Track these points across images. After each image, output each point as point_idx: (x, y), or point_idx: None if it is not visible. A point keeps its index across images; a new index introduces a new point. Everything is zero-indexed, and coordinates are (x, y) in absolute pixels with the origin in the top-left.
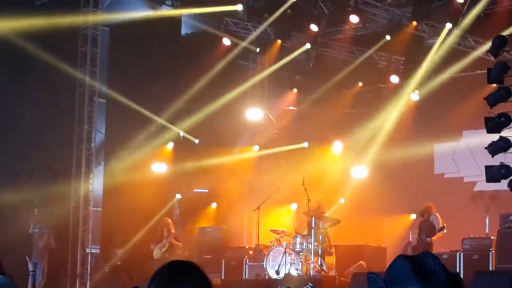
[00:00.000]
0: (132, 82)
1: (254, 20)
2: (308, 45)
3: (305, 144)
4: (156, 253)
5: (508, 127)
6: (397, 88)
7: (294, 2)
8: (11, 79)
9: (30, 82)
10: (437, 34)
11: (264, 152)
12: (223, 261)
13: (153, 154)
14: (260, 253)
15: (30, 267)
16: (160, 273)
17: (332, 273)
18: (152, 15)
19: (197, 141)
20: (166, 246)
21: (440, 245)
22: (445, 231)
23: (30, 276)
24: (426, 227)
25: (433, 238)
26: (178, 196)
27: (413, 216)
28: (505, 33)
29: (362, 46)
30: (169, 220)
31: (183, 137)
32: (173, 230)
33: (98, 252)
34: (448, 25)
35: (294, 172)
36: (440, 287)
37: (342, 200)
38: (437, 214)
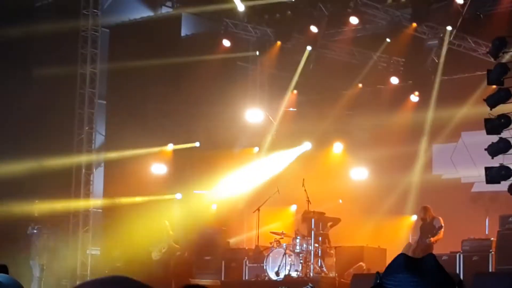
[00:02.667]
0: (132, 84)
1: (254, 22)
2: (309, 48)
3: (308, 145)
4: (155, 254)
5: (507, 128)
6: (397, 89)
7: (294, 4)
8: (12, 82)
9: (30, 84)
10: (437, 35)
11: (264, 152)
12: (223, 262)
13: (153, 155)
14: (260, 255)
15: (37, 273)
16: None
17: (332, 274)
18: (152, 17)
19: (197, 143)
20: (165, 248)
21: (440, 246)
22: (442, 229)
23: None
24: (428, 230)
25: (433, 239)
26: (179, 196)
27: (413, 217)
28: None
29: (362, 48)
30: (167, 222)
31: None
32: (171, 232)
33: (98, 253)
34: (448, 27)
35: (294, 173)
36: (429, 277)
37: (340, 201)
38: (440, 217)
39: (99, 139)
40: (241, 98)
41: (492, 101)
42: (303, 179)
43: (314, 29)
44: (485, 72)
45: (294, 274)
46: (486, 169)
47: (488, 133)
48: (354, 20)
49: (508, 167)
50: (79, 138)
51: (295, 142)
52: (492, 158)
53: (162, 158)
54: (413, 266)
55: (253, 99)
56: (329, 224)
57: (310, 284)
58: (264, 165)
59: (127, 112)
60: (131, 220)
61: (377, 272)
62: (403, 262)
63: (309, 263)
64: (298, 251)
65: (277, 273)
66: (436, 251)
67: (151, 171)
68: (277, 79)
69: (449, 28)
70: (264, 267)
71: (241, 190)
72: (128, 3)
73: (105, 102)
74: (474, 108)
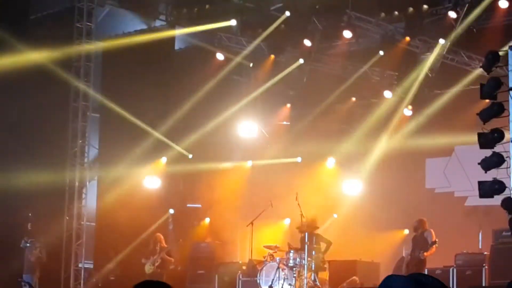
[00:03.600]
0: (125, 97)
1: (247, 35)
2: (301, 61)
3: (298, 159)
4: (148, 268)
5: (500, 142)
6: (390, 103)
7: (287, 17)
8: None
9: (24, 98)
10: (430, 49)
11: (257, 166)
12: (217, 276)
13: (146, 169)
14: (253, 268)
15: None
16: None
17: None
18: (145, 30)
19: (190, 156)
20: (159, 261)
21: (433, 260)
22: (436, 245)
23: None
24: (420, 243)
25: (426, 254)
26: (171, 211)
27: (406, 231)
28: (498, 48)
29: (356, 61)
30: (161, 236)
31: (178, 151)
32: (165, 245)
33: (91, 266)
34: (441, 41)
35: (288, 187)
36: None
37: (335, 216)
38: (431, 230)
39: (92, 152)
40: (235, 111)
41: (485, 115)
42: (297, 193)
43: (307, 42)
44: (478, 86)
45: None
46: (479, 183)
47: (482, 147)
48: (347, 34)
49: (501, 181)
50: (72, 151)
51: (289, 156)
52: (486, 172)
53: (155, 171)
54: None
55: (247, 113)
56: (323, 246)
57: None
58: (257, 179)
59: (120, 125)
60: (124, 234)
61: None
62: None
63: (303, 277)
64: (291, 265)
65: (270, 287)
66: (429, 265)
67: (145, 184)
68: (271, 92)
69: (442, 41)
70: (258, 281)
71: (234, 204)
72: (121, 16)
73: (98, 115)
74: (467, 122)
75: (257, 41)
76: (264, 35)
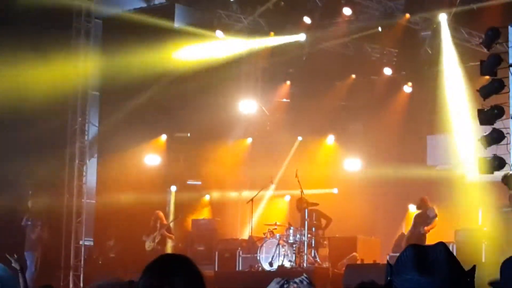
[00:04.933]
0: (125, 75)
1: (247, 13)
2: (303, 36)
3: (299, 138)
4: (149, 245)
5: (501, 119)
6: (390, 80)
7: None
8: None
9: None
10: (430, 26)
11: (257, 143)
12: (217, 253)
13: (146, 147)
14: (253, 245)
15: (32, 267)
16: (152, 266)
17: (326, 264)
18: (145, 8)
19: (188, 134)
20: (159, 238)
21: (433, 236)
22: (436, 219)
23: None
24: (421, 220)
25: (426, 228)
26: (173, 188)
27: (406, 208)
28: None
29: (355, 39)
30: (161, 213)
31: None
32: (165, 222)
33: (92, 244)
34: (441, 17)
35: (288, 164)
36: (440, 277)
37: (335, 191)
38: (434, 207)
39: (92, 130)
40: (235, 89)
41: (485, 92)
42: (296, 170)
43: (307, 20)
44: (478, 63)
45: (287, 264)
46: (479, 159)
47: (482, 123)
48: (347, 11)
49: (501, 157)
50: (72, 129)
51: (289, 133)
52: (486, 148)
53: (155, 149)
54: (423, 263)
55: (247, 90)
56: (323, 223)
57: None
58: (257, 156)
59: (120, 103)
60: (125, 211)
61: (389, 264)
62: (411, 258)
63: (303, 254)
64: (291, 241)
65: (270, 264)
66: (429, 241)
67: (145, 162)
68: (270, 70)
69: (442, 18)
70: (258, 258)
71: (234, 181)
72: None
73: (98, 93)
74: (468, 98)
75: (257, 18)
76: (262, 9)
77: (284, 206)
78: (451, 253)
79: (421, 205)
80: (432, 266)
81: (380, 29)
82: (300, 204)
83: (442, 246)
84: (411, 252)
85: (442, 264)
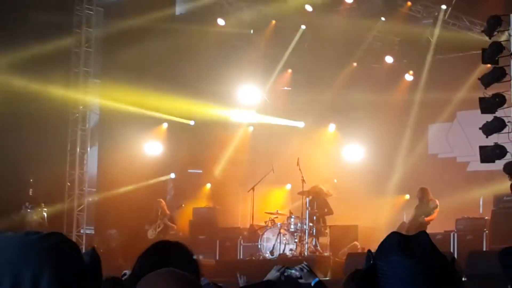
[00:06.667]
0: (126, 63)
1: (249, 0)
2: (303, 27)
3: (301, 124)
4: (151, 233)
5: (502, 107)
6: (392, 69)
7: None
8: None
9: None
10: (432, 14)
11: (258, 132)
12: (218, 241)
13: (147, 135)
14: (254, 234)
15: None
16: (146, 253)
17: (327, 253)
18: None
19: (192, 122)
20: (161, 227)
21: (434, 225)
22: (437, 209)
23: None
24: (422, 210)
25: (426, 218)
26: (172, 175)
27: (407, 197)
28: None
29: (357, 27)
30: (163, 202)
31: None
32: (167, 211)
33: (93, 233)
34: (443, 6)
35: (289, 152)
36: (423, 260)
37: (335, 181)
38: (436, 200)
39: (93, 118)
40: (236, 77)
41: (486, 80)
42: (298, 158)
43: (309, 8)
44: (480, 51)
45: (288, 253)
46: (481, 148)
47: (483, 112)
48: None
49: (502, 146)
50: (73, 117)
51: (289, 121)
52: (487, 137)
53: (156, 136)
54: (407, 247)
55: (248, 78)
56: (325, 210)
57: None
58: (258, 144)
59: (121, 91)
60: (126, 199)
61: (369, 251)
62: (396, 242)
63: (304, 242)
64: (292, 230)
65: (271, 252)
66: (430, 230)
67: (146, 150)
68: (272, 58)
69: (443, 7)
70: (259, 246)
71: (235, 169)
72: None
73: (99, 81)
74: (469, 87)
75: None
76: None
77: (285, 194)
78: (432, 242)
79: (422, 195)
80: (416, 250)
81: (383, 19)
82: (302, 193)
83: (424, 234)
84: (394, 237)
85: (425, 249)
